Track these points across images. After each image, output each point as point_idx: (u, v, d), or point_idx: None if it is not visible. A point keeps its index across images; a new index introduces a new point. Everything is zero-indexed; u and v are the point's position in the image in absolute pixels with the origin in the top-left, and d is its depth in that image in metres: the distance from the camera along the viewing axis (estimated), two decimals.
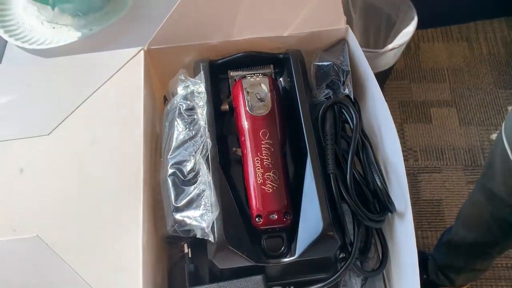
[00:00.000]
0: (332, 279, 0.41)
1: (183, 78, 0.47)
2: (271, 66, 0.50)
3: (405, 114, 1.48)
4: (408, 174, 0.42)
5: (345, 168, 0.44)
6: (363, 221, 0.42)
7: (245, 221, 0.42)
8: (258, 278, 0.40)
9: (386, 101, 0.44)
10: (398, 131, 0.42)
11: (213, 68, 0.49)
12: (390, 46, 1.17)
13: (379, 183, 0.43)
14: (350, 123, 0.46)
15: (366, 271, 0.44)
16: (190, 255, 0.43)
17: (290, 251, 0.42)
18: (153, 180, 0.45)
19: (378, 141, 0.48)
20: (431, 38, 1.64)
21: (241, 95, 0.46)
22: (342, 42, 0.51)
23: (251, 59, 0.50)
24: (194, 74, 0.49)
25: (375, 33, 1.34)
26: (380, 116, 0.47)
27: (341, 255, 0.42)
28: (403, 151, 0.43)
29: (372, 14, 1.30)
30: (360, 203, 0.43)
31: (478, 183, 0.77)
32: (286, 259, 0.41)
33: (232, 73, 0.50)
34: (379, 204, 0.44)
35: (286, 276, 0.43)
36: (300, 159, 0.45)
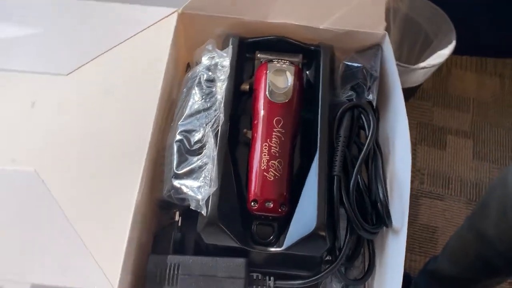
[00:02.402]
0: (313, 278, 0.41)
1: (210, 48, 0.46)
2: (300, 55, 0.49)
3: (421, 136, 1.46)
4: (410, 195, 0.41)
5: (351, 173, 0.43)
6: (357, 229, 0.42)
7: (240, 203, 0.42)
8: (241, 261, 0.40)
9: (408, 118, 0.43)
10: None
11: (242, 45, 0.48)
12: (422, 65, 1.15)
13: (381, 196, 0.43)
14: (367, 130, 0.45)
15: (348, 278, 0.44)
16: (179, 224, 0.43)
17: (278, 242, 0.42)
18: (159, 142, 0.44)
19: (390, 154, 0.47)
20: (464, 66, 1.61)
21: (263, 78, 0.46)
22: (376, 47, 0.50)
23: (282, 45, 0.49)
24: (223, 47, 0.49)
25: (410, 48, 1.32)
26: (398, 130, 0.46)
27: (327, 257, 0.42)
28: (411, 171, 0.42)
29: (410, 28, 1.27)
30: (358, 212, 0.42)
31: (468, 220, 0.76)
32: (272, 249, 0.41)
33: (259, 54, 0.49)
34: (377, 216, 0.43)
35: (269, 265, 0.42)
36: (308, 154, 0.44)
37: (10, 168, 0.41)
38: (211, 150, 0.41)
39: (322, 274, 0.41)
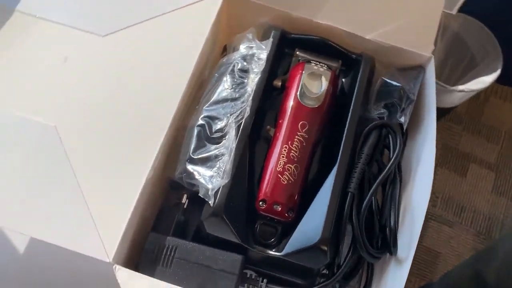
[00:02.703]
0: None
1: (250, 37, 0.45)
2: (340, 62, 0.48)
3: (443, 158, 1.43)
4: None
5: (366, 192, 0.42)
6: (360, 251, 0.41)
7: (248, 199, 0.41)
8: (238, 257, 0.40)
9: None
10: None
11: (282, 39, 0.47)
12: (461, 87, 1.12)
13: (392, 222, 0.42)
14: (391, 152, 0.44)
15: None
16: (185, 207, 0.43)
17: (278, 246, 0.41)
18: (181, 121, 0.44)
19: (410, 180, 0.46)
20: (504, 96, 1.56)
21: (297, 78, 0.44)
22: (419, 69, 0.48)
23: (323, 47, 0.48)
24: (263, 37, 0.47)
25: (452, 67, 1.28)
26: (423, 157, 0.45)
27: (324, 271, 0.41)
28: None
29: (457, 47, 1.23)
30: (365, 233, 0.41)
31: (473, 259, 0.75)
32: (271, 252, 0.40)
33: (299, 52, 0.48)
34: (383, 241, 0.42)
35: (265, 267, 0.42)
36: (327, 164, 0.43)
37: (32, 118, 0.41)
38: (230, 142, 0.40)
39: (316, 287, 0.40)
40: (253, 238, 0.41)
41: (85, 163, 0.39)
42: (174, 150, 0.42)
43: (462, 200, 1.36)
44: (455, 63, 1.26)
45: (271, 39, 0.45)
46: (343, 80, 0.49)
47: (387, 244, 0.42)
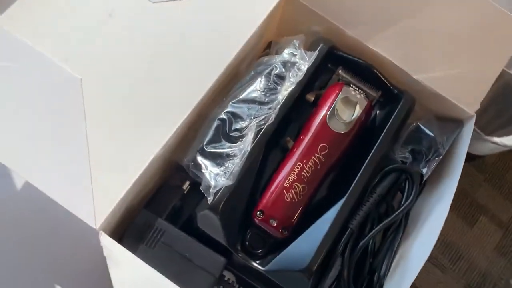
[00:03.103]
0: None
1: (297, 44, 0.43)
2: (380, 92, 0.46)
3: (456, 202, 1.39)
4: None
5: (366, 233, 0.41)
6: None
7: (247, 205, 0.41)
8: (221, 259, 0.39)
9: None
10: None
11: (329, 54, 0.46)
12: (496, 140, 1.08)
13: (383, 270, 0.41)
14: (403, 200, 0.43)
15: None
16: (184, 193, 0.42)
17: (263, 259, 0.41)
18: (204, 108, 0.43)
19: (414, 231, 0.44)
20: None
21: (331, 99, 0.43)
22: (458, 124, 0.46)
23: (368, 73, 0.46)
24: (311, 46, 0.46)
25: (493, 116, 1.23)
26: (435, 213, 0.43)
27: None
28: None
29: (503, 98, 1.19)
30: (354, 270, 0.41)
31: None
32: (254, 263, 0.40)
33: (341, 72, 0.46)
34: (368, 284, 0.42)
35: (245, 274, 0.42)
36: (336, 193, 0.42)
37: (61, 65, 0.40)
38: (246, 145, 0.39)
39: None
40: (241, 244, 0.41)
41: (99, 124, 0.39)
42: (189, 135, 0.42)
43: (462, 249, 1.34)
44: (497, 112, 1.22)
45: (316, 53, 0.44)
46: (378, 111, 0.47)
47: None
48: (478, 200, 1.44)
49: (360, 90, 0.44)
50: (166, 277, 0.36)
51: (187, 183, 0.42)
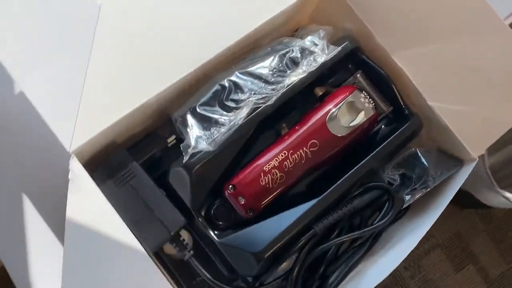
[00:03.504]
0: (216, 283, 0.40)
1: (321, 35, 0.42)
2: (391, 108, 0.45)
3: (450, 243, 1.37)
4: (393, 275, 0.38)
5: (330, 239, 0.41)
6: (288, 283, 0.40)
7: (222, 176, 0.40)
8: (182, 219, 0.39)
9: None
10: (430, 244, 0.38)
11: (352, 54, 0.44)
12: (508, 195, 1.05)
13: (331, 280, 0.40)
14: (378, 219, 0.42)
15: None
16: (168, 146, 0.42)
17: (222, 232, 0.41)
18: (211, 69, 0.42)
19: (380, 252, 0.44)
20: None
21: (339, 99, 0.42)
22: (458, 163, 0.44)
23: (385, 85, 0.45)
24: (335, 42, 0.45)
25: (510, 173, 1.20)
26: (404, 242, 0.42)
27: (243, 284, 0.41)
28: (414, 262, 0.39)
29: None
30: (306, 272, 0.40)
31: None
32: (211, 232, 0.40)
33: (359, 76, 0.45)
34: None
35: (202, 241, 0.42)
36: (312, 192, 0.41)
37: None
38: (237, 118, 0.39)
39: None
40: (206, 211, 0.41)
41: (105, 54, 0.39)
42: (187, 92, 0.41)
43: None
44: None
45: (338, 49, 0.42)
46: (383, 126, 0.46)
47: None
48: (472, 248, 1.41)
49: (371, 100, 0.43)
50: (122, 219, 0.37)
51: (173, 137, 0.42)
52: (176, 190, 0.39)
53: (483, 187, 1.09)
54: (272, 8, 0.42)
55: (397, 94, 0.45)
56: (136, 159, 0.40)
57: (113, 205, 0.38)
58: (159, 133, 0.43)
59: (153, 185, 0.39)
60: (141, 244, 0.38)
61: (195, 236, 0.43)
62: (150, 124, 0.44)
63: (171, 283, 0.42)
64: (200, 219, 0.40)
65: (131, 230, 0.38)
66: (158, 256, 0.44)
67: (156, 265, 0.40)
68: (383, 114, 0.45)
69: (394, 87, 0.44)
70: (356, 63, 0.45)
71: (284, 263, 0.42)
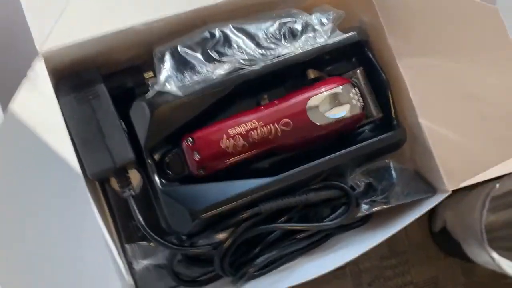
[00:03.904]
0: (148, 231, 0.38)
1: (331, 17, 0.40)
2: (381, 116, 0.42)
3: (425, 285, 1.34)
4: None
5: (275, 222, 0.39)
6: (217, 253, 0.38)
7: (185, 126, 0.39)
8: (131, 155, 0.38)
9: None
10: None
11: (357, 47, 0.42)
12: (495, 255, 1.01)
13: (257, 261, 0.39)
14: (326, 219, 0.40)
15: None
16: (144, 77, 0.40)
17: (168, 181, 0.39)
18: (210, 15, 0.40)
19: (319, 255, 0.42)
20: None
21: (327, 87, 0.40)
22: (429, 190, 0.42)
23: (381, 90, 0.42)
24: (344, 31, 0.42)
25: (508, 235, 1.16)
26: (342, 252, 0.40)
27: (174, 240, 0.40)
28: None
29: None
30: (238, 249, 0.39)
31: None
32: (157, 178, 0.39)
33: (359, 72, 0.43)
34: (239, 267, 0.40)
35: (149, 183, 0.41)
36: (270, 171, 0.39)
37: None
38: (215, 72, 0.37)
39: (156, 239, 0.38)
40: (160, 157, 0.40)
41: None
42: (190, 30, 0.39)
43: None
44: None
45: (344, 36, 0.40)
46: (366, 131, 0.43)
47: (240, 271, 0.39)
48: None
49: (361, 99, 0.41)
50: (71, 135, 0.36)
51: (151, 73, 0.40)
52: (133, 124, 0.38)
53: (473, 240, 1.06)
54: None
55: (391, 102, 0.42)
56: (105, 82, 0.39)
57: (66, 119, 0.37)
58: (140, 68, 0.42)
59: (113, 112, 0.38)
60: (82, 165, 0.37)
61: (145, 180, 0.42)
62: (135, 56, 0.42)
63: (106, 217, 0.41)
64: (150, 161, 0.38)
65: (75, 149, 0.37)
66: (104, 188, 0.43)
67: (93, 193, 0.39)
68: (371, 118, 0.43)
69: (390, 94, 0.42)
70: (360, 58, 0.43)
71: (223, 235, 0.40)
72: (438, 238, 0.78)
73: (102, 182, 0.43)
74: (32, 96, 0.34)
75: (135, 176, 0.42)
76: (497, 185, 0.66)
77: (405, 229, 0.78)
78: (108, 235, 0.39)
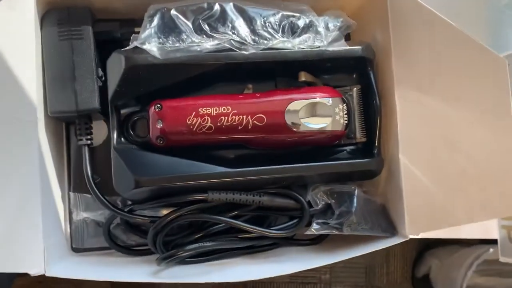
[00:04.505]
0: (91, 183, 0.37)
1: (338, 25, 0.38)
2: (364, 139, 0.40)
3: None
4: None
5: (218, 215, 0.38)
6: (153, 225, 0.37)
7: (155, 91, 0.37)
8: (95, 103, 0.37)
9: None
10: None
11: (360, 64, 0.40)
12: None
13: (189, 247, 0.37)
14: (273, 228, 0.38)
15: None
16: (134, 31, 0.39)
17: (125, 142, 0.38)
18: None
19: (257, 262, 0.40)
20: None
21: (314, 95, 0.38)
22: (390, 231, 0.40)
23: (371, 114, 0.40)
24: (353, 42, 0.40)
25: None
26: (285, 266, 0.38)
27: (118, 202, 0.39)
28: None
29: None
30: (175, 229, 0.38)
31: None
32: (115, 136, 0.37)
33: (355, 90, 0.40)
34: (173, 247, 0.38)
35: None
36: (231, 162, 0.38)
37: None
38: (201, 46, 0.35)
39: (96, 194, 0.37)
40: (126, 116, 0.38)
41: None
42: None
43: None
44: None
45: (346, 48, 0.38)
46: (345, 151, 0.41)
47: (164, 253, 0.37)
48: None
49: (347, 117, 0.39)
50: (43, 69, 0.35)
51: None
52: (108, 73, 0.37)
53: (458, 266, 1.02)
54: None
55: (377, 130, 0.40)
56: (93, 25, 0.38)
57: (43, 50, 0.36)
58: (135, 21, 0.40)
59: (91, 57, 0.37)
60: (46, 101, 0.36)
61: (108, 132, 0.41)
62: (135, 10, 0.41)
63: (62, 161, 0.40)
64: (113, 116, 0.37)
65: (44, 83, 0.36)
66: (68, 131, 0.42)
67: (55, 133, 0.38)
68: (353, 140, 0.40)
69: (379, 121, 0.40)
70: (360, 75, 0.41)
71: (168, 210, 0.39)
72: (419, 284, 0.75)
73: (67, 124, 0.42)
74: (10, 15, 0.33)
75: (102, 127, 0.42)
76: (491, 250, 0.63)
77: (386, 264, 0.75)
78: (55, 179, 0.38)
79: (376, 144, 0.40)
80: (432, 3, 0.45)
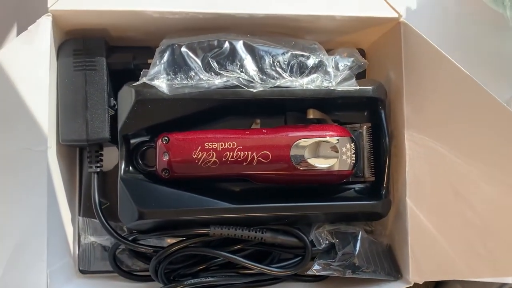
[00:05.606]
0: (98, 210, 0.38)
1: (349, 64, 0.38)
2: (372, 179, 0.40)
3: None
4: None
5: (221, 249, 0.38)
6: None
7: (164, 124, 0.38)
8: (106, 135, 0.38)
9: None
10: None
11: (372, 104, 0.39)
12: None
13: (190, 281, 0.37)
14: (275, 265, 0.38)
15: None
16: (147, 62, 0.40)
17: (131, 173, 0.39)
18: (230, 24, 0.38)
19: None
20: None
21: (321, 133, 0.38)
22: (394, 275, 0.39)
23: (381, 155, 0.39)
24: (363, 82, 0.40)
25: None
26: None
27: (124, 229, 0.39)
28: None
29: None
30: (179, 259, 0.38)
31: None
32: (123, 164, 0.38)
33: (365, 129, 0.40)
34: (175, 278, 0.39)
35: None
36: (236, 197, 0.38)
37: None
38: (209, 83, 0.35)
39: (102, 220, 0.38)
40: (136, 145, 0.39)
41: None
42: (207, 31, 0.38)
43: None
44: None
45: (356, 88, 0.38)
46: (353, 190, 0.41)
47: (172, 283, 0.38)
48: None
49: (355, 157, 0.38)
50: (58, 98, 0.36)
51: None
52: (118, 106, 0.37)
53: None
54: (319, 9, 0.37)
55: (386, 171, 0.39)
56: (107, 56, 0.39)
57: (58, 79, 0.37)
58: (151, 51, 0.41)
59: (104, 88, 0.38)
60: (58, 129, 0.37)
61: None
62: (150, 40, 0.42)
63: (74, 186, 0.41)
64: (122, 146, 0.38)
65: (57, 112, 0.37)
66: (82, 157, 0.43)
67: (67, 159, 0.39)
68: (361, 179, 0.40)
69: (387, 162, 0.39)
70: (371, 114, 0.40)
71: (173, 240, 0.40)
72: None
73: (81, 150, 0.43)
74: (25, 48, 0.34)
75: (114, 153, 0.42)
76: None
77: None
78: (65, 203, 0.39)
79: (385, 184, 0.39)
80: (451, 35, 0.45)
